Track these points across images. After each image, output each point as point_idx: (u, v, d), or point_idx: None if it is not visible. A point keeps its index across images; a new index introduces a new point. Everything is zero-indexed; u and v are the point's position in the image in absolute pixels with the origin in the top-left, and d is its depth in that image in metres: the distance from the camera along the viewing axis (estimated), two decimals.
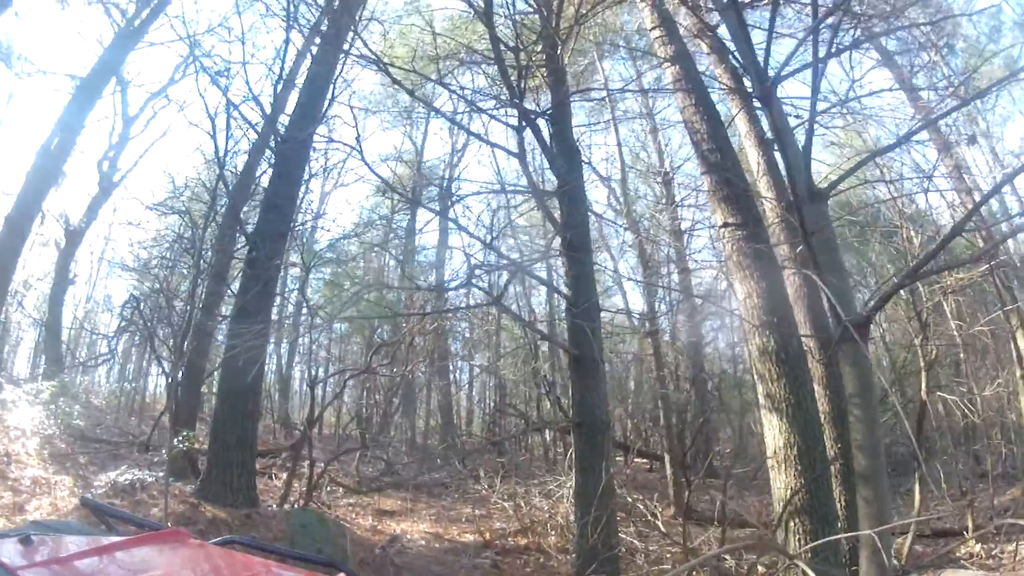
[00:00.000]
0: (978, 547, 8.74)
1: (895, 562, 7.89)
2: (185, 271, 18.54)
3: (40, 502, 8.45)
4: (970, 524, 9.12)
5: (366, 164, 8.45)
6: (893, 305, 13.54)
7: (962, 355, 12.77)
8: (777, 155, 8.05)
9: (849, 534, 6.03)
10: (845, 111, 9.78)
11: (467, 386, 20.47)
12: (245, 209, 12.84)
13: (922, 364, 9.57)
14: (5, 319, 18.93)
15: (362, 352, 18.12)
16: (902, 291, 10.28)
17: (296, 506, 9.52)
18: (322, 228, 18.58)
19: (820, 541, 5.86)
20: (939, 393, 10.74)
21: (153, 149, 27.11)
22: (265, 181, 11.90)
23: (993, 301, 12.83)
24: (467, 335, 17.94)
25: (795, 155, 4.86)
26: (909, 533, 8.08)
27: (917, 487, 7.87)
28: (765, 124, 8.27)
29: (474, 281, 7.92)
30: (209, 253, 11.99)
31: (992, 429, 11.98)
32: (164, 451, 10.07)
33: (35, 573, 1.82)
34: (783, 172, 7.23)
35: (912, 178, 10.90)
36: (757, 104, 7.58)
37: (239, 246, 12.21)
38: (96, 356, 21.14)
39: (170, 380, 11.31)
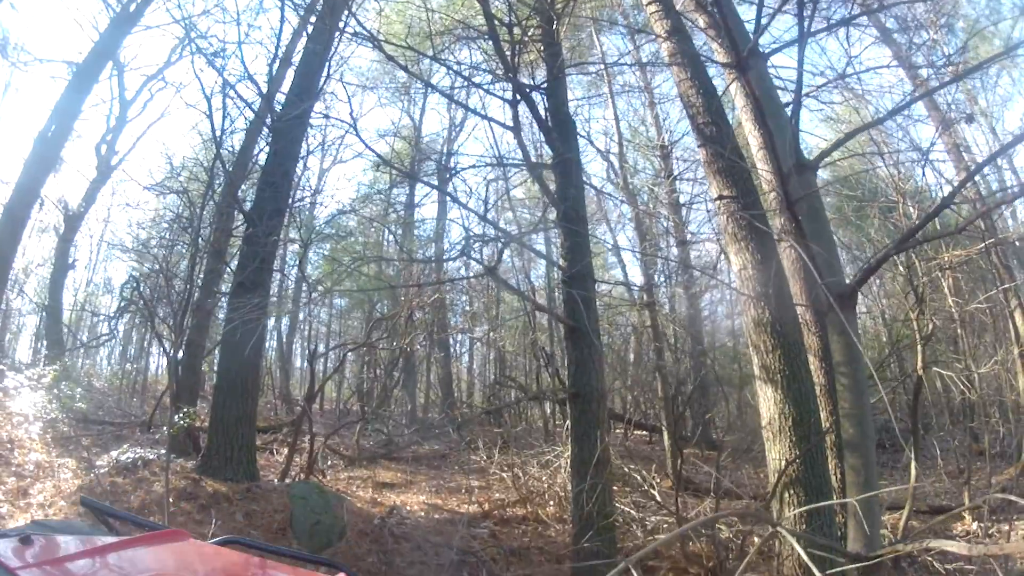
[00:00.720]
0: (975, 525, 8.84)
1: (891, 536, 8.07)
2: (184, 250, 18.64)
3: (43, 485, 8.59)
4: (966, 501, 9.10)
5: (361, 140, 8.62)
6: (892, 280, 13.63)
7: (959, 331, 12.82)
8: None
9: (834, 502, 6.16)
10: (841, 86, 9.79)
11: (466, 359, 20.67)
12: (243, 187, 12.91)
13: (918, 337, 9.63)
14: (6, 307, 19.00)
15: (362, 327, 18.25)
16: (900, 266, 10.37)
17: (297, 480, 9.66)
18: (320, 204, 18.67)
19: (806, 507, 5.98)
20: (936, 369, 10.80)
21: (151, 131, 27.07)
22: (262, 159, 11.92)
23: (992, 280, 12.89)
24: (466, 308, 18.11)
25: (781, 126, 4.95)
26: (905, 508, 8.18)
27: (913, 462, 7.89)
28: None
29: (472, 253, 7.98)
30: (207, 231, 12.06)
31: (990, 407, 12.05)
32: (166, 429, 10.20)
33: (35, 573, 1.84)
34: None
35: (909, 152, 10.94)
36: None
37: (237, 224, 12.28)
38: (98, 337, 21.33)
39: (170, 358, 11.44)
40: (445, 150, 20.94)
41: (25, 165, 12.59)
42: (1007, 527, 8.43)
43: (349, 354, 13.82)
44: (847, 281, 4.76)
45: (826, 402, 7.50)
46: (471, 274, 13.92)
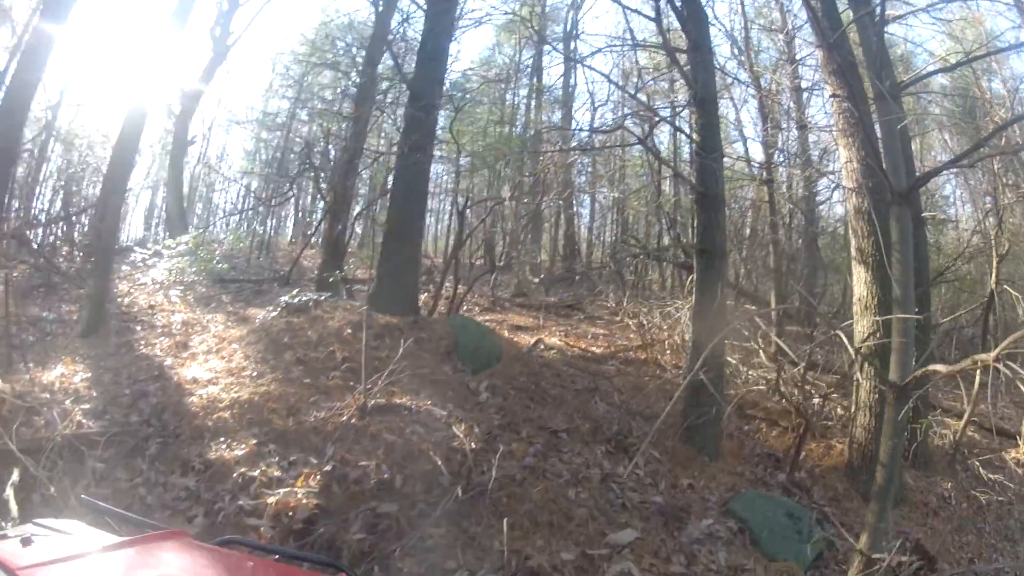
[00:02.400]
0: None
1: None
2: (305, 119, 19.69)
3: (201, 337, 9.58)
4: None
5: None
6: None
7: None
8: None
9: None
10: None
11: (588, 219, 21.29)
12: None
13: (994, 256, 9.83)
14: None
15: (487, 185, 19.10)
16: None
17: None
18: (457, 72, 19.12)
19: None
20: (1007, 287, 10.76)
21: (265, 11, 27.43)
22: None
23: None
24: (589, 170, 18.69)
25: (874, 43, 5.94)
26: (965, 416, 8.80)
27: (979, 374, 8.16)
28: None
29: (627, 124, 8.84)
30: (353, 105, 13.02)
31: None
32: (329, 277, 11.21)
33: (35, 573, 1.87)
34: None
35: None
36: None
37: (379, 93, 13.19)
38: (274, 196, 21.86)
39: (327, 216, 12.74)
40: (570, 17, 21.10)
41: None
42: None
43: (480, 210, 14.60)
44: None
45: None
46: (618, 143, 14.61)
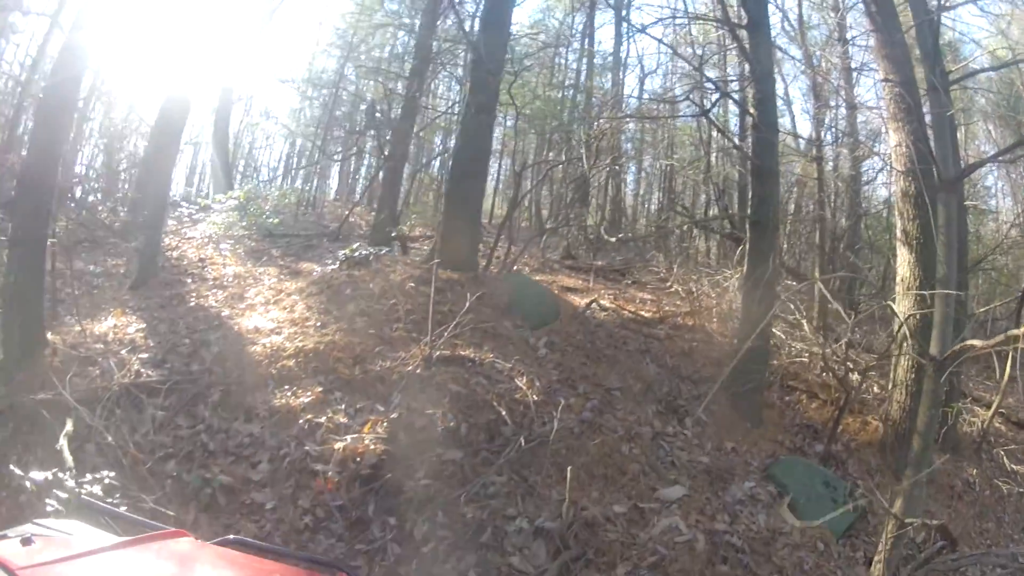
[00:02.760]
0: None
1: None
2: (352, 77, 19.76)
3: (257, 289, 9.80)
4: None
5: None
6: None
7: None
8: None
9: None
10: None
11: (633, 186, 21.24)
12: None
13: None
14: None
15: (533, 149, 19.10)
16: None
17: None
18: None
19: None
20: None
21: None
22: None
23: None
24: (638, 138, 18.67)
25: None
26: (994, 405, 8.85)
27: (1008, 364, 7.87)
28: None
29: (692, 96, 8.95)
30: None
31: None
32: (391, 231, 11.45)
33: (35, 573, 1.85)
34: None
35: None
36: None
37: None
38: (337, 152, 21.80)
39: (384, 173, 12.93)
40: None
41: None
42: None
43: (528, 173, 14.66)
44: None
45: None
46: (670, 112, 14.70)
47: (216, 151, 18.84)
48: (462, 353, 7.45)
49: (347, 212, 16.84)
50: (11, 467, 5.24)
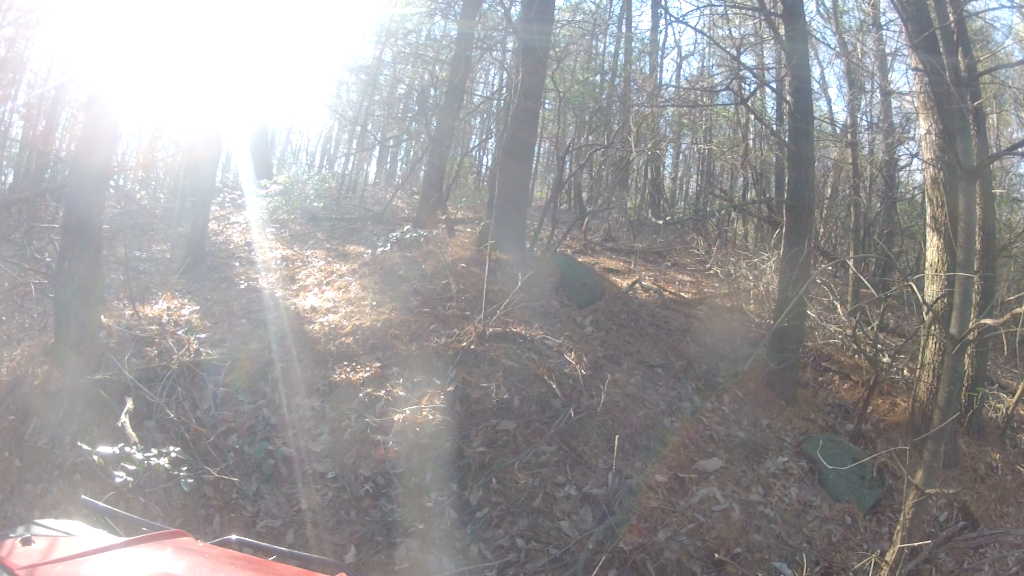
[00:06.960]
0: None
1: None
2: (388, 60, 19.90)
3: (308, 271, 9.99)
4: None
5: None
6: None
7: None
8: None
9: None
10: None
11: (670, 169, 21.31)
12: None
13: None
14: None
15: (573, 132, 19.20)
16: None
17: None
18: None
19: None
20: None
21: None
22: None
23: None
24: (675, 121, 18.74)
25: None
26: (1018, 392, 9.04)
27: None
28: None
29: (731, 85, 9.19)
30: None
31: None
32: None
33: (35, 573, 1.90)
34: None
35: None
36: None
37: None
38: (391, 136, 21.70)
39: (431, 157, 13.24)
40: None
41: None
42: None
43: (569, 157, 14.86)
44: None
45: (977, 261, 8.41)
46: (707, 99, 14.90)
47: (255, 136, 18.71)
48: (514, 330, 7.83)
49: (391, 196, 17.21)
50: (79, 443, 5.74)
